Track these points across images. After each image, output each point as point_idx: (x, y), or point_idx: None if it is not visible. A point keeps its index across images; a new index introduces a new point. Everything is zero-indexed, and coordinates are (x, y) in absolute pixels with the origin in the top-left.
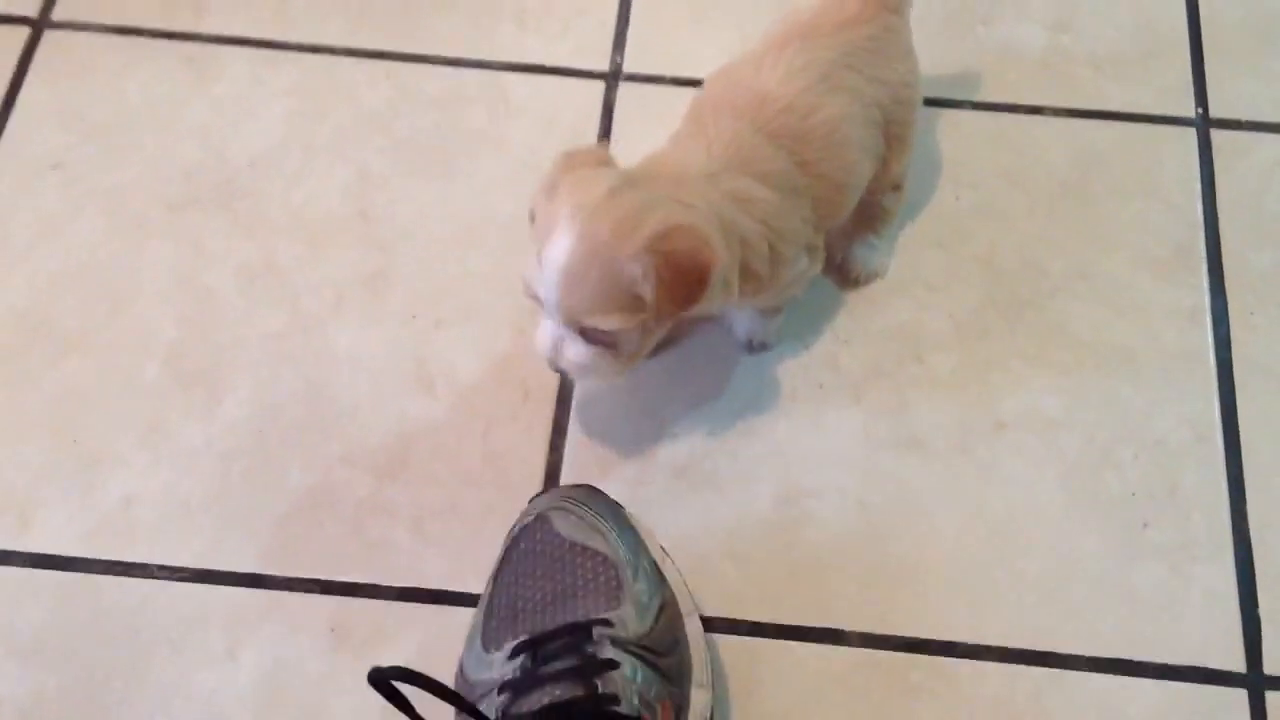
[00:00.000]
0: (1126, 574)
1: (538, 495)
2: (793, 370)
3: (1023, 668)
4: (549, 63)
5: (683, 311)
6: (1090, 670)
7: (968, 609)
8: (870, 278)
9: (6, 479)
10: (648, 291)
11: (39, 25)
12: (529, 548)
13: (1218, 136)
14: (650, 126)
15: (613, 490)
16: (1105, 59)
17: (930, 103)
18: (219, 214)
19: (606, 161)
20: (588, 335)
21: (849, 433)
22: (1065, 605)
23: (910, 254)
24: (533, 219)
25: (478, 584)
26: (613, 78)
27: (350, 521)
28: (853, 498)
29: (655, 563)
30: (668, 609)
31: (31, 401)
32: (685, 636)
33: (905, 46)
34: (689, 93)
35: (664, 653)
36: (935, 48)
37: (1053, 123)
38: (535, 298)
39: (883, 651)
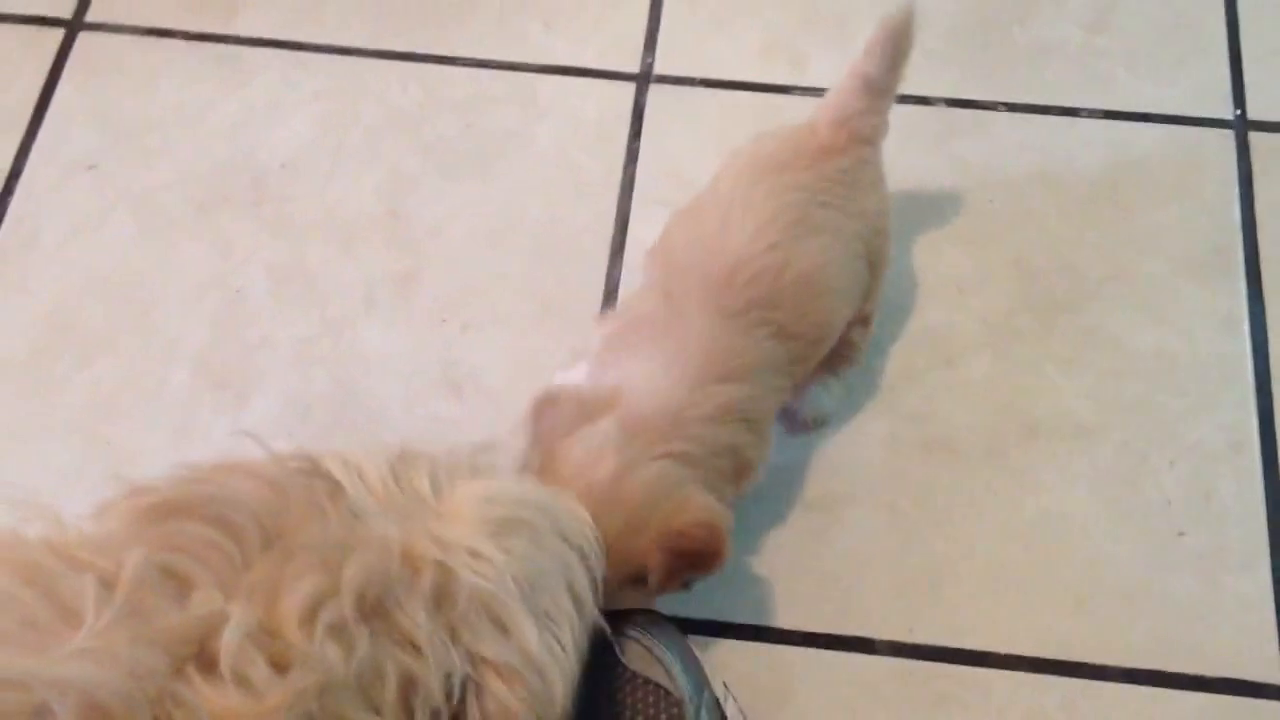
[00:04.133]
0: (1161, 583)
1: (604, 617)
2: None
3: (1055, 678)
4: (578, 64)
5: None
6: (1123, 681)
7: (1000, 618)
8: (819, 422)
9: (36, 480)
10: (655, 577)
11: (73, 27)
12: (592, 676)
13: (1256, 139)
14: (681, 128)
15: None
16: (1142, 59)
17: (963, 104)
18: (249, 215)
19: (589, 411)
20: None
21: (879, 437)
22: (1098, 614)
23: (942, 256)
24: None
25: None
26: (643, 79)
27: None
28: (883, 503)
29: (718, 700)
30: None
31: (62, 402)
32: None
33: (877, 175)
34: (720, 95)
35: None
36: (970, 47)
37: (1088, 124)
38: None
39: (913, 661)
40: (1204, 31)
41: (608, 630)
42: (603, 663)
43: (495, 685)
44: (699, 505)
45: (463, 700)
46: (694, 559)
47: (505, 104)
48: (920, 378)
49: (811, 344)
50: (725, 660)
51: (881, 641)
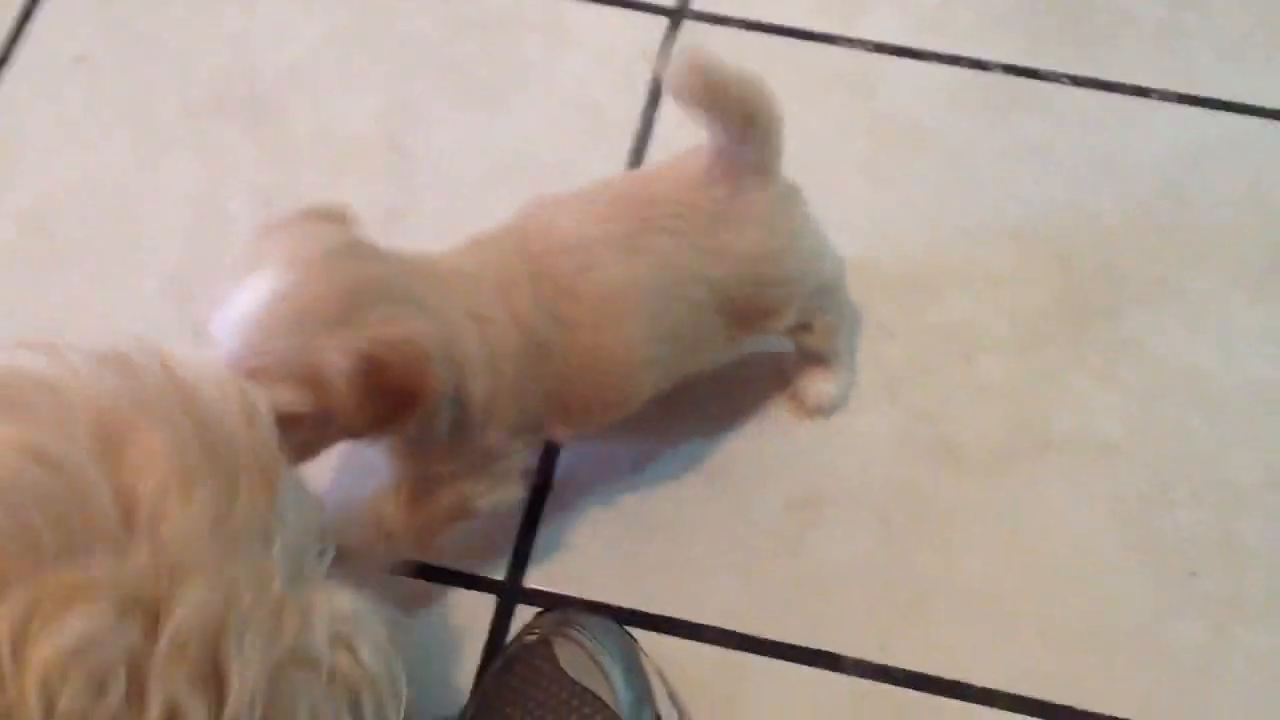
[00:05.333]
0: (1164, 627)
1: (546, 612)
2: None
3: None
4: None
5: (374, 430)
6: None
7: (983, 646)
8: (824, 407)
9: None
10: (339, 388)
11: None
12: (525, 674)
13: None
14: None
15: (613, 475)
16: (1230, 43)
17: (1024, 73)
18: (243, 129)
19: (344, 221)
20: None
21: (880, 435)
22: (1092, 654)
23: (978, 241)
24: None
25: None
26: (678, 14)
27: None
28: (873, 508)
29: (659, 718)
30: None
31: (32, 307)
32: None
33: (764, 211)
34: (758, 39)
35: None
36: (1040, 9)
37: (1159, 108)
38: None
39: (881, 684)
40: None
41: (545, 627)
42: (538, 664)
43: None
44: (412, 331)
45: None
46: (391, 386)
47: (531, 29)
48: (933, 373)
49: (597, 369)
50: (674, 660)
51: (850, 659)
